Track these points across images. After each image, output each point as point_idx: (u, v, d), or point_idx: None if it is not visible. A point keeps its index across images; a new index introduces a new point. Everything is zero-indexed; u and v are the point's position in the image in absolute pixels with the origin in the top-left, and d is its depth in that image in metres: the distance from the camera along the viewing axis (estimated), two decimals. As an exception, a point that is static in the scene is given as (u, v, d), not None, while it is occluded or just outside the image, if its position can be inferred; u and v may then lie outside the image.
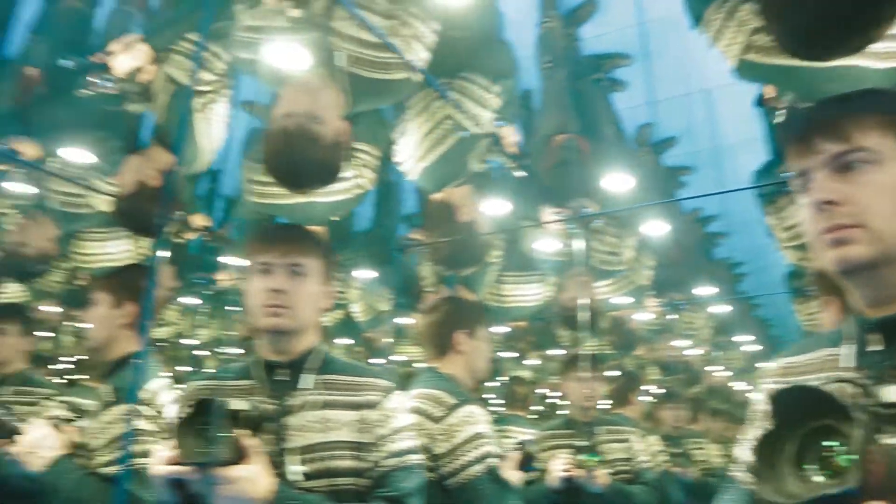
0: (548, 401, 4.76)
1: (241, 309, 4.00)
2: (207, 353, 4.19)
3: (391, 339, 4.11)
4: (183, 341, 3.96)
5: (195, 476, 0.97)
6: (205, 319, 4.07)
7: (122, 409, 1.70)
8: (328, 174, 1.82)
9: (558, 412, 4.56)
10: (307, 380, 1.28)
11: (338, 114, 1.82)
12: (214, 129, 2.34)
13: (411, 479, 1.25)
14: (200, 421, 0.99)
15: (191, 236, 3.27)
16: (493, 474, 1.77)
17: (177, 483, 0.97)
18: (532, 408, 4.20)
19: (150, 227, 2.20)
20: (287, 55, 1.73)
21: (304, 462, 1.19)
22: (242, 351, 4.16)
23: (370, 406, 1.27)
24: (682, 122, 4.89)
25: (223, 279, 3.70)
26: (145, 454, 1.54)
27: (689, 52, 4.89)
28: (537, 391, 4.64)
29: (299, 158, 1.72)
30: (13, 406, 1.97)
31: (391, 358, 4.15)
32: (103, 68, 2.08)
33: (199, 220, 3.21)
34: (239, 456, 1.02)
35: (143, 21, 2.91)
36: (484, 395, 3.78)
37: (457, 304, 2.20)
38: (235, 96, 2.50)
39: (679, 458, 3.42)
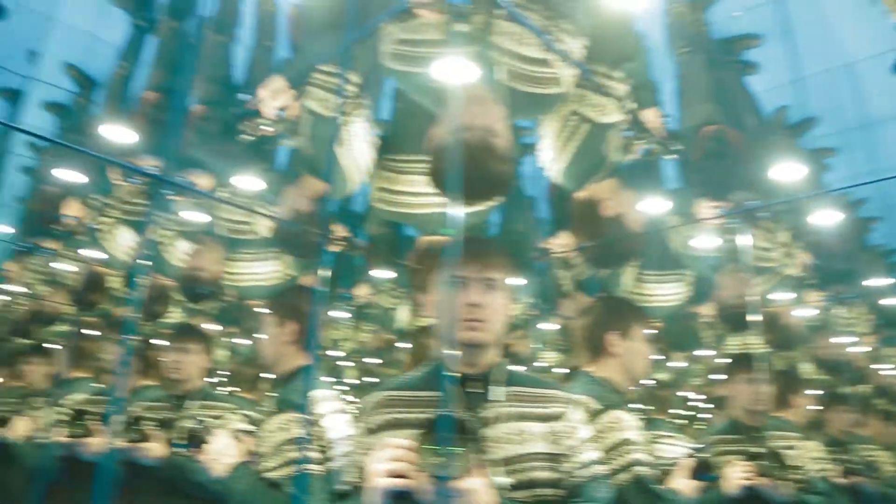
0: (690, 404, 4.55)
1: (381, 320, 4.14)
2: (351, 364, 4.36)
3: (534, 345, 4.10)
4: (328, 353, 4.14)
5: (425, 490, 0.99)
6: (348, 331, 4.24)
7: (286, 418, 1.79)
8: (503, 186, 1.84)
9: (700, 416, 4.34)
10: (498, 392, 1.29)
11: (507, 127, 1.83)
12: (356, 149, 2.43)
13: (602, 490, 1.27)
14: (430, 434, 1.00)
15: (332, 249, 3.42)
16: (641, 482, 1.72)
17: (401, 496, 0.99)
18: (671, 411, 4.03)
19: (308, 249, 2.35)
20: (450, 69, 1.76)
21: (506, 473, 1.20)
22: (381, 361, 4.29)
23: (557, 418, 1.29)
24: (823, 101, 4.53)
25: (363, 291, 3.84)
26: (308, 461, 1.66)
27: (826, 26, 4.54)
28: (678, 394, 4.45)
29: (482, 171, 1.73)
30: (202, 419, 2.16)
31: (532, 364, 4.13)
32: (257, 114, 2.26)
33: (339, 231, 3.36)
34: (468, 469, 1.04)
35: (283, 55, 3.09)
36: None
37: (608, 305, 2.15)
38: (372, 115, 2.58)
39: (850, 466, 3.14)
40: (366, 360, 4.38)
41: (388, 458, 1.03)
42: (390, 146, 2.45)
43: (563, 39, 1.97)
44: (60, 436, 2.33)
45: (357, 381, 4.20)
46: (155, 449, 2.14)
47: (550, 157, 2.54)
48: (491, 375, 1.31)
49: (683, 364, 4.61)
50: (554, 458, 1.25)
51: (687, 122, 3.01)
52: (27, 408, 3.29)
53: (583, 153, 2.46)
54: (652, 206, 2.71)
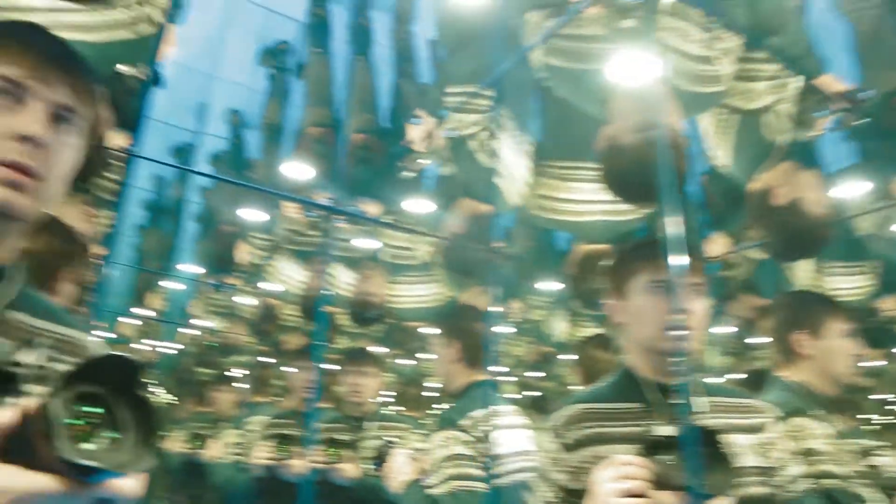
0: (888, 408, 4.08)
1: (536, 333, 4.10)
2: (512, 378, 4.34)
3: (707, 351, 3.87)
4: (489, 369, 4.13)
5: None
6: (506, 346, 4.23)
7: (448, 435, 1.79)
8: (682, 187, 1.76)
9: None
10: (700, 403, 1.21)
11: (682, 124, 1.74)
12: (508, 163, 2.42)
13: None
14: (660, 448, 0.94)
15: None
16: (829, 497, 1.53)
17: None
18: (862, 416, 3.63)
19: (473, 268, 2.38)
20: (622, 65, 1.70)
21: None
22: (543, 374, 4.23)
23: (760, 429, 1.21)
24: None
25: (517, 304, 3.82)
26: (464, 477, 1.66)
27: None
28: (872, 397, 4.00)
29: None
30: (388, 439, 2.23)
31: (709, 371, 3.90)
32: (411, 151, 2.33)
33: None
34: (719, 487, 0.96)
35: (423, 79, 3.19)
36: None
37: (791, 302, 1.97)
38: (519, 125, 2.55)
39: None
40: (526, 374, 4.34)
41: (623, 476, 0.97)
42: (546, 153, 2.41)
43: (724, 37, 1.86)
44: (258, 457, 2.49)
45: (518, 396, 4.17)
46: (348, 469, 2.24)
47: (715, 156, 2.40)
48: (689, 385, 1.23)
49: (876, 363, 4.12)
50: (765, 471, 1.17)
51: (873, 88, 2.69)
52: (218, 431, 3.59)
53: (743, 144, 2.29)
54: (837, 188, 2.45)
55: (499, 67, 2.20)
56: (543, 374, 4.28)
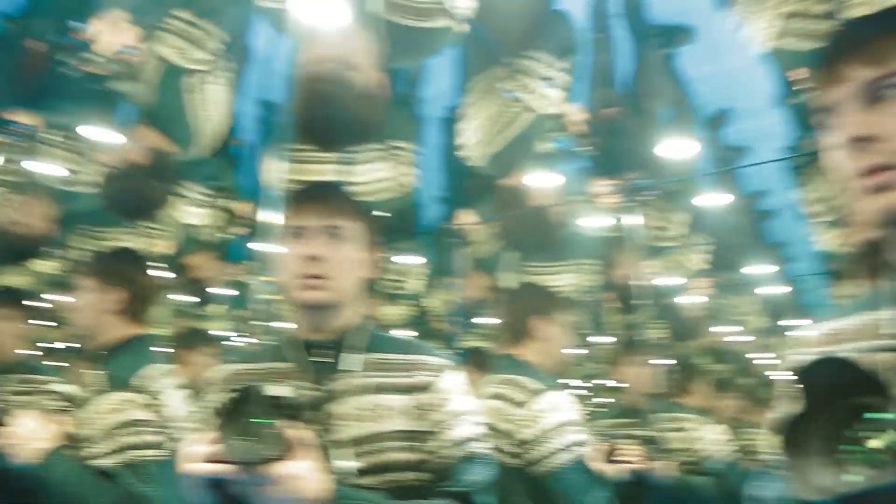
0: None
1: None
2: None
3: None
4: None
5: (239, 476, 0.83)
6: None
7: (116, 397, 1.60)
8: (360, 129, 1.61)
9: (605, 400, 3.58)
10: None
11: (373, 62, 1.60)
12: (212, 109, 2.27)
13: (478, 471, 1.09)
14: (246, 412, 0.85)
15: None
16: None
17: (217, 484, 0.84)
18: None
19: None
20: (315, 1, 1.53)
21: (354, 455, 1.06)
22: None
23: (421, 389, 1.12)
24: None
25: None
26: (143, 446, 1.54)
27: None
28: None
29: (328, 108, 1.50)
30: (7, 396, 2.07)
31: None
32: (87, 46, 2.00)
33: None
34: (287, 451, 0.86)
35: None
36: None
37: (524, 291, 2.37)
38: (241, 76, 2.44)
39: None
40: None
41: (202, 441, 0.86)
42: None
43: None
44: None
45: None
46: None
47: (478, 142, 2.52)
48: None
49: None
50: (415, 435, 1.06)
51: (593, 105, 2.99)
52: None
53: (516, 142, 2.44)
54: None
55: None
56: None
